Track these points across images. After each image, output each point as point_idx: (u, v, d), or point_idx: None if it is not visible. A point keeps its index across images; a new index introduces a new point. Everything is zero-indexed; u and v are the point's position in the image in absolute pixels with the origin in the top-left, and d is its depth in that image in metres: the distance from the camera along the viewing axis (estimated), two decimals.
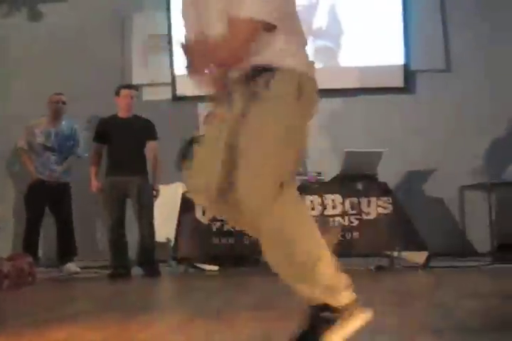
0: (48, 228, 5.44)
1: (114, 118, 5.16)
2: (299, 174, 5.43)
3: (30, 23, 6.45)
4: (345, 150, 4.98)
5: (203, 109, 6.22)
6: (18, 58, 6.32)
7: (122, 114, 5.15)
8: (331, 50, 6.27)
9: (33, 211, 5.31)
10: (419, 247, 4.79)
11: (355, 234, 4.86)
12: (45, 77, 6.12)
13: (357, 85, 6.19)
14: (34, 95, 5.91)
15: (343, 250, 4.92)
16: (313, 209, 4.91)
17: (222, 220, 4.96)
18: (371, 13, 6.24)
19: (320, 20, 6.31)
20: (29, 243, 5.22)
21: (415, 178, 6.03)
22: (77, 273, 5.26)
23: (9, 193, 6.11)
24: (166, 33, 6.34)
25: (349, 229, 4.88)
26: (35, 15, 6.46)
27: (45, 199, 5.33)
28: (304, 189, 4.97)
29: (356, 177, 4.96)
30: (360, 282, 4.04)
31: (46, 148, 5.36)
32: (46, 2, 6.48)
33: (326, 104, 6.24)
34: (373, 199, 4.89)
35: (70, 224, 5.40)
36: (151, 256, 4.94)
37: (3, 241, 5.96)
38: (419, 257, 4.76)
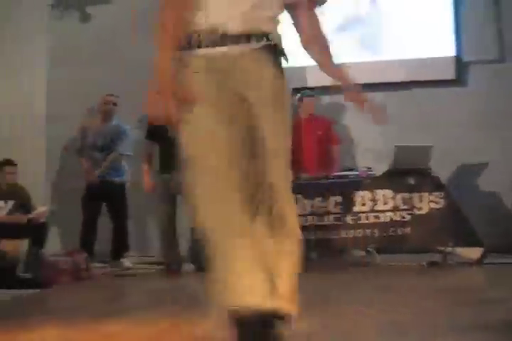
0: (103, 224, 5.57)
1: None
2: (350, 169, 5.40)
3: (80, 25, 6.58)
4: (396, 145, 4.91)
5: None
6: (68, 59, 6.46)
7: None
8: (381, 43, 6.18)
9: (89, 210, 5.47)
10: (474, 243, 4.68)
11: (407, 230, 4.79)
12: (93, 77, 6.24)
13: (408, 78, 6.09)
14: (85, 95, 6.03)
15: (395, 246, 4.88)
16: (363, 204, 4.86)
17: None
18: (422, 4, 6.12)
19: (368, 12, 6.23)
20: (85, 240, 5.37)
21: (468, 172, 5.89)
22: (130, 268, 5.37)
23: (65, 190, 6.26)
24: None
25: (401, 224, 4.81)
26: (84, 18, 6.60)
27: (102, 198, 5.47)
28: (355, 184, 4.93)
29: (407, 172, 4.88)
30: (412, 278, 4.00)
31: (97, 148, 5.48)
32: (94, 4, 6.61)
33: (376, 98, 6.17)
34: (425, 194, 4.80)
35: (125, 222, 5.52)
36: (202, 252, 4.97)
37: (60, 237, 6.14)
38: (474, 253, 4.65)
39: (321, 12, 2.05)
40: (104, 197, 5.48)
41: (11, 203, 5.27)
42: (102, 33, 6.43)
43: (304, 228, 4.92)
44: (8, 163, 5.39)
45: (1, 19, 6.22)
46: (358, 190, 4.89)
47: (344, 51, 6.09)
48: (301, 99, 5.73)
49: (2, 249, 4.59)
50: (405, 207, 4.82)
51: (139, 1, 6.33)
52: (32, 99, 6.37)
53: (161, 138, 5.13)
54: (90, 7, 6.60)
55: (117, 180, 5.53)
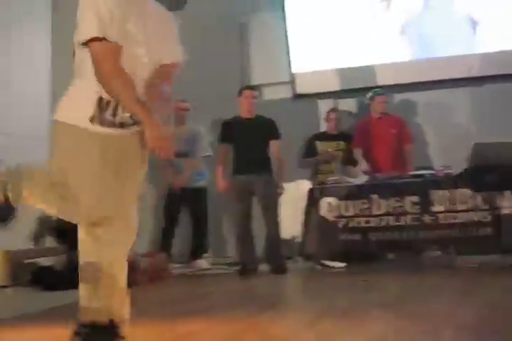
0: (182, 225, 5.70)
1: (238, 119, 5.28)
2: (427, 168, 5.28)
3: None
4: (475, 142, 4.76)
5: (323, 106, 6.23)
6: None
7: (245, 114, 5.25)
8: (448, 37, 6.01)
9: (171, 214, 5.61)
10: None
11: (488, 230, 4.62)
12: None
13: (481, 73, 5.88)
14: None
15: (475, 247, 4.72)
16: (441, 204, 4.74)
17: (347, 217, 4.93)
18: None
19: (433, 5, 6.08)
20: (165, 242, 5.52)
21: None
22: (207, 269, 5.46)
23: (148, 194, 6.43)
24: (283, 32, 6.41)
25: (481, 224, 4.65)
26: None
27: (182, 202, 5.59)
28: (432, 183, 4.81)
29: (488, 170, 4.71)
30: (496, 281, 3.85)
31: (176, 155, 5.56)
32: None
33: (448, 95, 6.04)
34: (508, 193, 4.63)
35: (205, 223, 5.62)
36: (278, 253, 5.01)
37: (141, 238, 6.30)
38: None
39: None
40: (186, 202, 5.60)
41: None
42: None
43: (380, 228, 4.85)
44: None
45: None
46: (435, 189, 4.77)
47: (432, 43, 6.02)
48: (372, 98, 5.67)
49: None
50: (486, 206, 4.66)
51: (209, 6, 6.45)
52: None
53: (235, 140, 5.20)
54: None
55: (198, 184, 5.63)
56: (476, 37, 5.93)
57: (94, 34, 2.01)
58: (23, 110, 6.15)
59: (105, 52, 2.03)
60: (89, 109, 2.10)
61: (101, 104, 2.10)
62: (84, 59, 2.09)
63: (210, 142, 5.74)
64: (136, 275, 4.35)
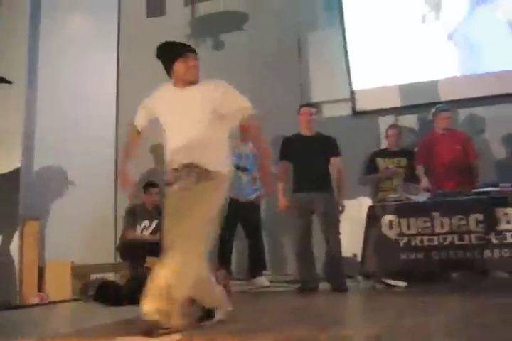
0: (239, 243, 5.72)
1: (298, 136, 5.30)
2: (492, 185, 5.13)
3: (213, 52, 6.89)
4: None
5: (383, 122, 6.17)
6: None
7: (304, 131, 5.27)
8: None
9: (226, 228, 5.63)
10: None
11: None
12: None
13: None
14: None
15: None
16: (508, 222, 4.59)
17: (409, 235, 4.84)
18: None
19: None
20: (223, 258, 5.54)
21: None
22: (267, 286, 5.46)
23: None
24: (342, 49, 6.42)
25: None
26: (218, 45, 6.91)
27: (238, 217, 5.61)
28: (498, 201, 4.67)
29: None
30: None
31: (240, 169, 5.63)
32: (227, 32, 6.90)
33: (508, 110, 5.87)
34: None
35: (260, 240, 5.63)
36: (338, 271, 4.96)
37: None
38: None
39: None
40: (241, 215, 5.61)
41: (155, 223, 5.60)
42: (233, 57, 6.71)
43: (444, 247, 4.74)
44: (152, 184, 5.74)
45: None
46: (501, 206, 4.63)
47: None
48: (435, 114, 5.58)
49: (148, 266, 4.87)
50: None
51: (269, 25, 6.53)
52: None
53: (295, 157, 5.21)
54: (223, 35, 6.91)
55: (250, 198, 5.65)
56: None
57: (252, 111, 3.21)
58: (91, 130, 6.37)
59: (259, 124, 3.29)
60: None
61: None
62: (220, 124, 3.15)
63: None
64: None
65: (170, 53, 3.18)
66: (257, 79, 6.53)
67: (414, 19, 6.28)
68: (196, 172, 3.00)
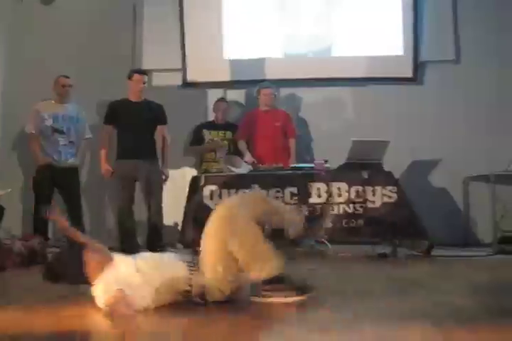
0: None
1: (125, 101, 5.21)
2: (306, 161, 5.52)
3: (42, 7, 6.47)
4: (352, 139, 5.03)
5: (212, 95, 6.29)
6: (29, 42, 6.37)
7: (133, 97, 5.20)
8: (339, 39, 6.29)
9: (41, 193, 5.38)
10: (422, 236, 4.86)
11: (360, 222, 4.93)
12: (55, 61, 6.17)
13: (366, 75, 6.22)
14: (42, 78, 5.95)
15: (349, 237, 5.01)
16: (319, 196, 4.98)
17: None
18: (382, 2, 6.27)
19: (328, 9, 6.33)
20: (38, 224, 5.30)
21: (421, 168, 6.09)
22: None
23: (17, 176, 6.18)
24: (178, 18, 6.38)
25: (354, 216, 4.94)
26: (46, 0, 6.50)
27: (53, 182, 5.38)
28: (311, 176, 5.04)
29: (362, 166, 5.01)
30: (363, 269, 4.12)
31: (55, 131, 5.40)
32: None
33: (335, 93, 6.32)
34: (378, 188, 4.95)
35: (79, 207, 5.48)
36: (159, 240, 5.03)
37: (13, 222, 6.06)
38: (422, 246, 4.84)
39: None
40: (56, 181, 5.38)
41: None
42: (64, 16, 6.38)
43: None
44: None
45: None
46: (313, 181, 5.00)
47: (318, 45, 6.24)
48: (258, 91, 5.80)
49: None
50: (359, 200, 4.96)
51: None
52: None
53: (121, 123, 5.12)
54: None
55: (69, 162, 5.46)
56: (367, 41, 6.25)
57: None
58: None
59: None
60: None
61: None
62: None
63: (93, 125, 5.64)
64: (11, 258, 4.21)
65: None
66: (87, 39, 6.27)
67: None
68: None
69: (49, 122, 5.39)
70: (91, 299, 2.53)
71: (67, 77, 5.48)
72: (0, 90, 6.31)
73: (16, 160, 6.26)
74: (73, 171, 5.49)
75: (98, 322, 2.44)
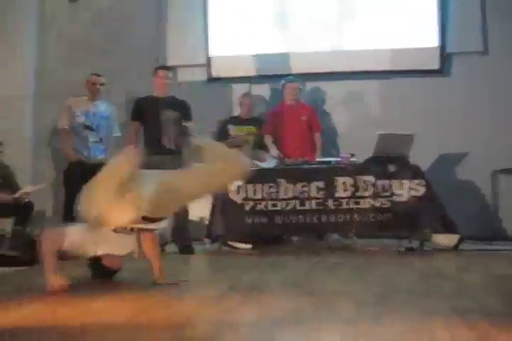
0: None
1: (150, 97, 5.25)
2: (331, 155, 5.50)
3: (68, 3, 6.54)
4: (378, 132, 5.00)
5: (237, 90, 6.30)
6: (56, 37, 6.45)
7: (158, 93, 5.24)
8: (365, 31, 6.23)
9: (71, 189, 5.45)
10: (450, 230, 4.82)
11: (387, 216, 4.91)
12: (81, 57, 6.24)
13: (391, 67, 6.17)
14: (70, 74, 6.02)
15: (375, 231, 5.00)
16: (345, 190, 4.96)
17: (255, 200, 5.05)
18: None
19: (353, 1, 6.28)
20: (67, 219, 5.37)
21: (448, 161, 6.02)
22: None
23: (48, 171, 6.27)
24: (202, 14, 6.40)
25: (381, 210, 4.92)
26: None
27: (83, 179, 5.42)
28: (337, 170, 5.02)
29: (388, 160, 4.98)
30: (390, 263, 4.11)
31: (86, 128, 5.45)
32: None
33: (360, 86, 6.28)
34: (406, 182, 4.92)
35: None
36: (185, 234, 5.07)
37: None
38: (450, 240, 4.80)
39: None
40: (86, 176, 5.41)
41: None
42: (90, 12, 6.45)
43: (286, 212, 5.02)
44: None
45: None
46: (339, 175, 4.99)
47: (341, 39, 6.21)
48: (284, 85, 5.80)
49: None
50: (386, 193, 4.94)
51: None
52: (18, 78, 6.34)
53: (146, 120, 5.16)
54: None
55: (99, 158, 5.51)
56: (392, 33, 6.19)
57: None
58: None
59: None
60: None
61: None
62: None
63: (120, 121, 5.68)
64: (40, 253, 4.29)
65: None
66: (112, 35, 6.33)
67: None
68: None
69: (81, 119, 5.41)
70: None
71: (99, 75, 5.49)
72: (32, 89, 6.40)
73: (46, 157, 6.34)
74: (102, 167, 5.52)
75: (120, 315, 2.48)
